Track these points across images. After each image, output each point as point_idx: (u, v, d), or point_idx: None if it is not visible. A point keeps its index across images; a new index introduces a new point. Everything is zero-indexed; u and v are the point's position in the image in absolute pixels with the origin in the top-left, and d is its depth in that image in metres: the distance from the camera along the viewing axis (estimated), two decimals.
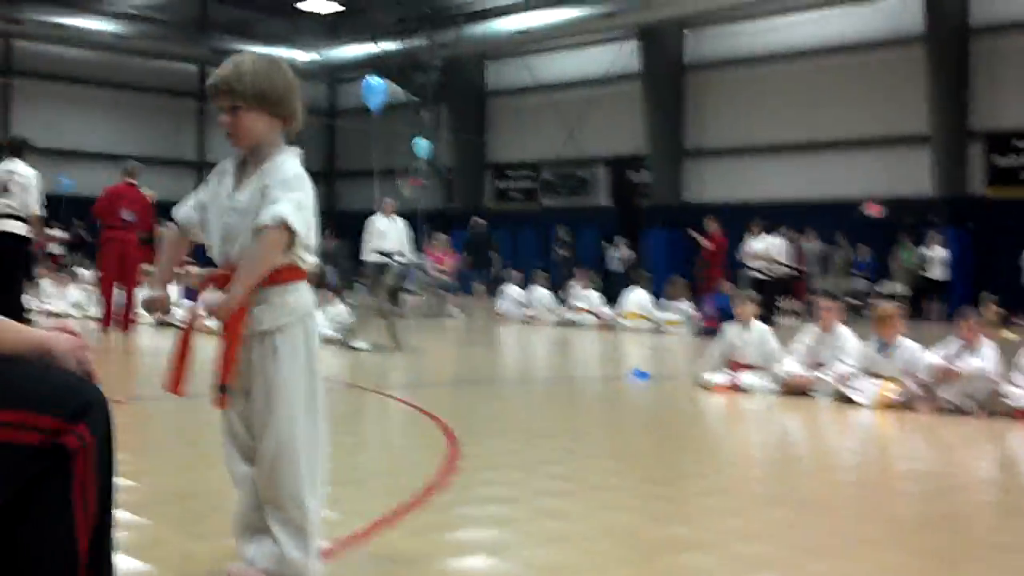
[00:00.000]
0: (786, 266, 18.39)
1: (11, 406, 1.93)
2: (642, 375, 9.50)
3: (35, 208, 11.47)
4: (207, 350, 3.16)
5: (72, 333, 2.14)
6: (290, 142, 3.17)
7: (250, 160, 3.12)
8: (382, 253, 16.14)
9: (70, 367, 2.07)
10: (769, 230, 17.79)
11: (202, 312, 3.12)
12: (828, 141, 23.11)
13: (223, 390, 3.01)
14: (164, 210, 16.81)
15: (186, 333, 3.12)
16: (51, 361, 2.05)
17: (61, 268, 19.40)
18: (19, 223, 11.46)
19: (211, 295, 3.06)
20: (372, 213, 15.45)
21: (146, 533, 3.69)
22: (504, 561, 3.50)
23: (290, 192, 2.98)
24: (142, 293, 13.96)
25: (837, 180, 22.70)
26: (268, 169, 3.05)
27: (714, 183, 25.36)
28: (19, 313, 11.72)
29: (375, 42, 30.13)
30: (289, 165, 3.06)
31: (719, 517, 4.28)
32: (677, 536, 3.93)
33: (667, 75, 25.76)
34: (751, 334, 8.68)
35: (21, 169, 11.51)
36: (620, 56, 26.69)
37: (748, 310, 8.77)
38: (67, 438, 1.97)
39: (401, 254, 16.19)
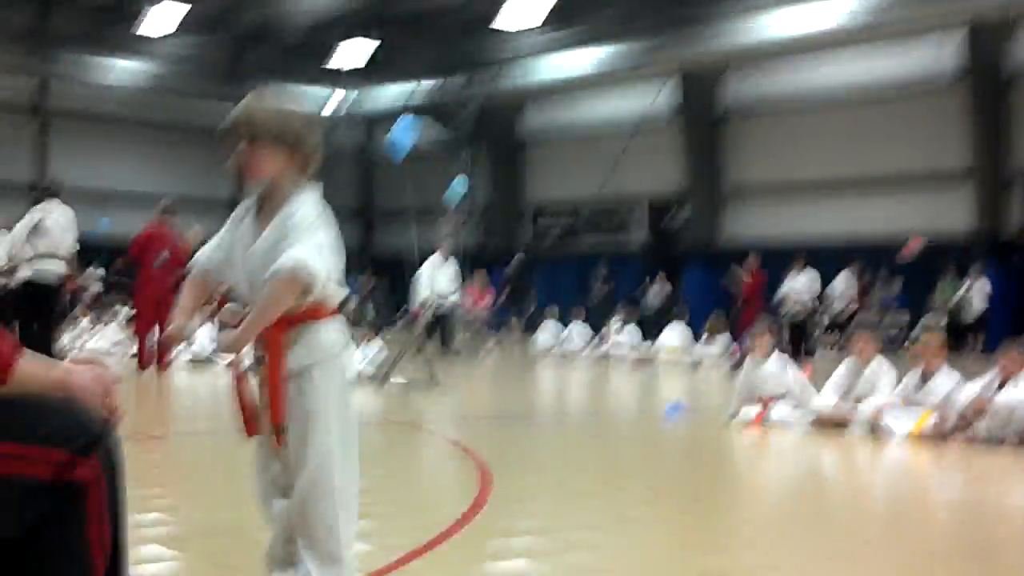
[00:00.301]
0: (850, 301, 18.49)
1: (19, 439, 1.93)
2: (678, 410, 9.47)
3: (71, 249, 11.68)
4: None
5: (99, 364, 2.14)
6: (318, 179, 3.18)
7: (268, 199, 3.12)
8: (437, 295, 16.50)
9: (94, 402, 2.07)
10: (808, 267, 17.71)
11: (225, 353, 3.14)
12: (868, 178, 23.00)
13: (278, 431, 3.05)
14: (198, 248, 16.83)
15: (239, 375, 3.13)
16: (73, 396, 2.05)
17: (100, 308, 19.66)
18: (56, 263, 11.66)
19: (224, 334, 3.09)
20: (412, 255, 15.82)
21: (179, 567, 3.72)
22: None
23: (308, 234, 2.98)
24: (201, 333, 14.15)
25: (877, 217, 22.55)
26: (287, 210, 3.05)
27: (753, 221, 25.32)
28: (50, 352, 11.89)
29: (416, 82, 30.40)
30: (308, 206, 3.05)
31: (755, 549, 4.26)
32: (713, 567, 3.91)
33: (706, 114, 25.90)
34: (768, 367, 8.63)
35: (57, 210, 11.72)
36: (660, 96, 26.79)
37: (763, 343, 8.72)
38: (80, 471, 1.97)
39: (453, 293, 16.67)
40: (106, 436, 2.03)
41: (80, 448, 1.98)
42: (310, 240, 2.97)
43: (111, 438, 2.04)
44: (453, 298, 17.02)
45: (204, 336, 14.22)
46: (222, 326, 12.80)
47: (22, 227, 11.69)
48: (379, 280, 32.00)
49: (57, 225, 11.56)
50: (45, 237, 11.55)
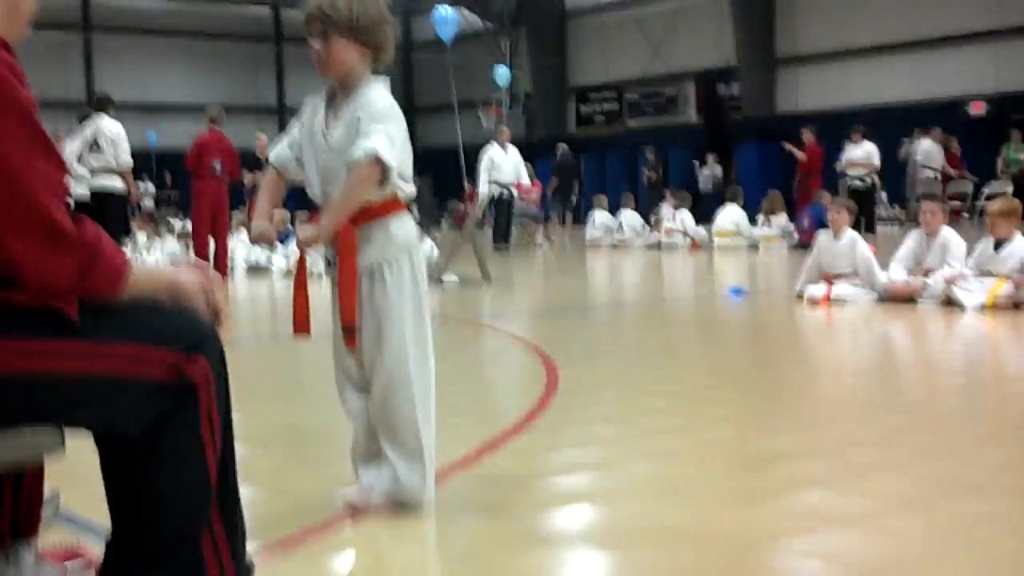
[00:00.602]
0: (932, 169, 18.02)
1: (135, 341, 1.99)
2: (739, 292, 9.40)
3: (126, 162, 11.78)
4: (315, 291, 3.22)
5: (201, 270, 2.18)
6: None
7: (340, 93, 3.12)
8: (499, 184, 16.37)
9: (200, 305, 2.12)
10: (869, 136, 17.26)
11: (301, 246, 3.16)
12: (931, 38, 22.24)
13: (349, 330, 3.06)
14: (246, 157, 17.14)
15: (299, 275, 3.18)
16: (181, 299, 2.10)
17: (153, 221, 19.87)
18: (113, 178, 11.79)
19: (303, 229, 3.10)
20: (453, 147, 15.59)
21: (261, 463, 3.78)
22: (611, 477, 3.51)
23: (381, 124, 2.98)
24: (240, 238, 14.27)
25: (941, 79, 21.89)
26: (358, 102, 3.04)
27: (809, 91, 24.64)
28: None
29: None
30: (379, 96, 3.05)
31: (827, 426, 4.23)
32: (786, 446, 3.90)
33: None
34: (842, 243, 8.48)
35: (108, 125, 11.81)
36: None
37: (841, 219, 8.56)
38: (190, 370, 2.03)
39: (511, 186, 16.45)
40: (214, 337, 2.09)
41: (191, 348, 2.03)
42: (382, 131, 2.97)
43: (217, 336, 2.10)
44: (525, 183, 16.93)
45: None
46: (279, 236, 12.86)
47: (77, 143, 11.80)
48: (423, 177, 31.93)
49: (109, 140, 11.66)
50: (98, 153, 11.67)
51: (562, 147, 23.35)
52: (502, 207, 16.96)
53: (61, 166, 1.95)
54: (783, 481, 3.43)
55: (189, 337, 2.04)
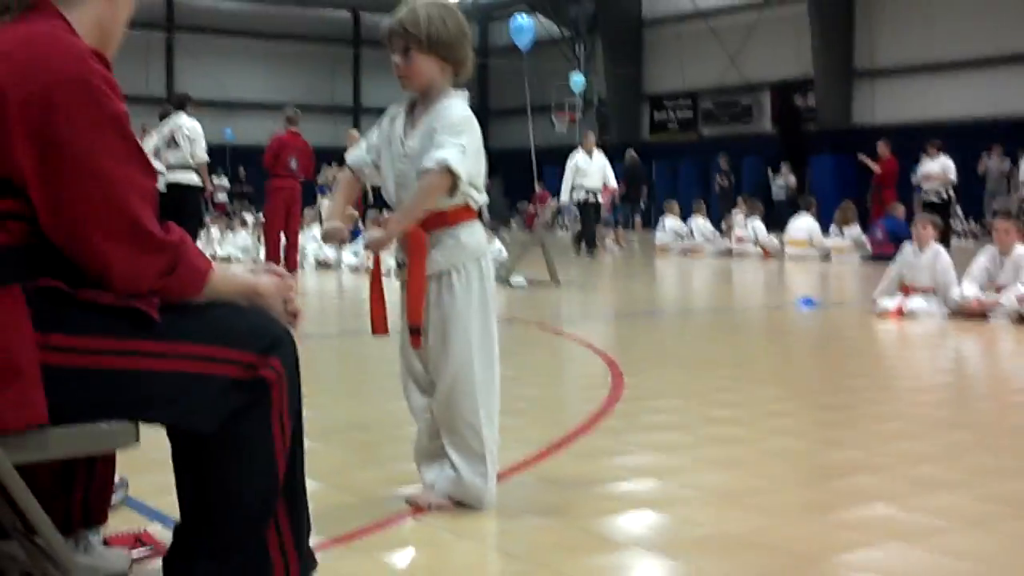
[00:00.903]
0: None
1: (213, 342, 2.06)
2: (809, 303, 9.31)
3: (202, 158, 12.14)
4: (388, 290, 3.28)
5: (278, 275, 2.26)
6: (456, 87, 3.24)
7: (420, 104, 3.20)
8: (584, 189, 16.16)
9: (277, 307, 2.21)
10: (945, 150, 16.96)
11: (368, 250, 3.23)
12: (1013, 54, 21.82)
13: (415, 331, 3.13)
14: (322, 156, 17.44)
15: (375, 277, 3.25)
16: (259, 302, 2.19)
17: (227, 215, 20.20)
18: (190, 173, 12.15)
19: (370, 233, 3.19)
20: (525, 150, 15.59)
21: (326, 459, 3.83)
22: (674, 485, 3.50)
23: (456, 136, 3.05)
24: (311, 235, 14.46)
25: (1020, 95, 21.47)
26: (436, 113, 3.12)
27: (886, 104, 24.30)
28: None
29: None
30: (457, 108, 3.12)
31: (893, 441, 4.19)
32: (850, 460, 3.87)
33: None
34: (926, 257, 8.37)
35: (186, 122, 12.19)
36: None
37: (927, 233, 8.44)
38: (263, 371, 2.09)
39: (597, 191, 16.20)
40: (287, 338, 2.16)
41: (265, 349, 2.10)
42: (456, 142, 3.04)
43: (291, 339, 2.17)
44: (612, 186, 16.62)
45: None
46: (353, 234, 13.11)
47: (156, 139, 12.19)
48: (494, 180, 32.01)
49: (186, 137, 12.02)
50: (176, 149, 12.03)
51: (630, 153, 23.31)
52: (588, 212, 16.69)
53: (151, 174, 2.05)
54: (847, 495, 3.40)
55: (264, 339, 2.11)
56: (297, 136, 13.32)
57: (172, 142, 12.18)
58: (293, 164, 13.06)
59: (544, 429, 4.33)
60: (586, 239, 16.92)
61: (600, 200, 16.67)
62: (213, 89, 29.43)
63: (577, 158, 16.38)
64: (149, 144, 12.59)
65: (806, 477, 3.64)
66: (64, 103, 1.92)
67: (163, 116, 12.71)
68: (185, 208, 12.20)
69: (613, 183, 16.81)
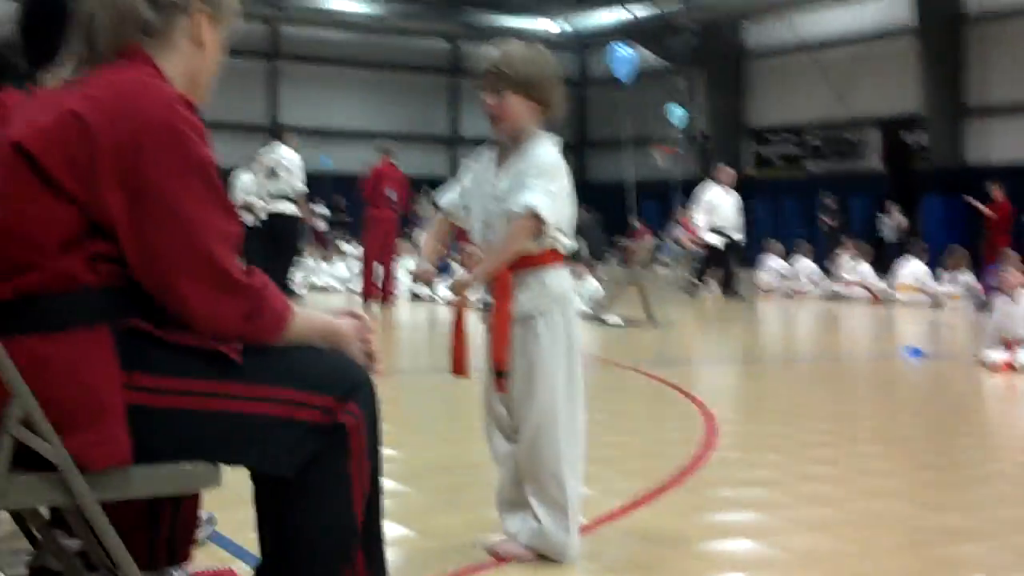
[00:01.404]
0: None
1: (294, 386, 2.09)
2: (916, 353, 9.04)
3: (301, 189, 12.45)
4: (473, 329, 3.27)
5: (357, 317, 2.29)
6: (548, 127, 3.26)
7: (510, 146, 3.21)
8: (716, 231, 15.22)
9: (354, 351, 2.23)
10: None
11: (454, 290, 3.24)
12: None
13: (501, 375, 3.13)
14: (420, 186, 17.69)
15: (459, 315, 3.25)
16: (339, 344, 2.21)
17: (325, 243, 20.49)
18: (289, 204, 12.47)
19: (458, 275, 3.24)
20: (623, 184, 15.40)
21: (409, 502, 3.82)
22: (765, 546, 3.40)
23: (545, 181, 3.07)
24: (406, 266, 14.59)
25: None
26: (526, 156, 3.14)
27: (1002, 143, 23.47)
28: (286, 289, 12.72)
29: (625, 7, 29.89)
30: (546, 152, 3.15)
31: (997, 506, 4.01)
32: (950, 525, 3.71)
33: (946, 26, 23.96)
34: (1021, 306, 8.04)
35: (286, 153, 12.51)
36: (893, 8, 25.32)
37: (1012, 280, 8.11)
38: (342, 416, 2.12)
39: (736, 232, 15.09)
40: (367, 382, 2.19)
41: (344, 394, 2.14)
42: (545, 187, 3.06)
43: (371, 383, 2.20)
44: (737, 237, 15.40)
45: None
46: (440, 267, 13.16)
47: (256, 170, 12.55)
48: (591, 214, 31.84)
49: (285, 169, 12.35)
50: (276, 180, 12.36)
51: None
52: (722, 257, 15.51)
53: (235, 219, 2.09)
54: (945, 564, 3.26)
55: (344, 383, 2.14)
56: (394, 167, 13.52)
57: (272, 173, 12.49)
58: (392, 195, 13.25)
59: (633, 480, 4.25)
60: (725, 283, 15.60)
61: (739, 240, 15.59)
62: (314, 117, 29.99)
63: (710, 195, 15.36)
64: (245, 177, 12.97)
65: (903, 542, 3.49)
66: (152, 148, 1.98)
67: (265, 145, 13.11)
68: (284, 238, 12.48)
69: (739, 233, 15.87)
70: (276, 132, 13.07)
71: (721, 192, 15.41)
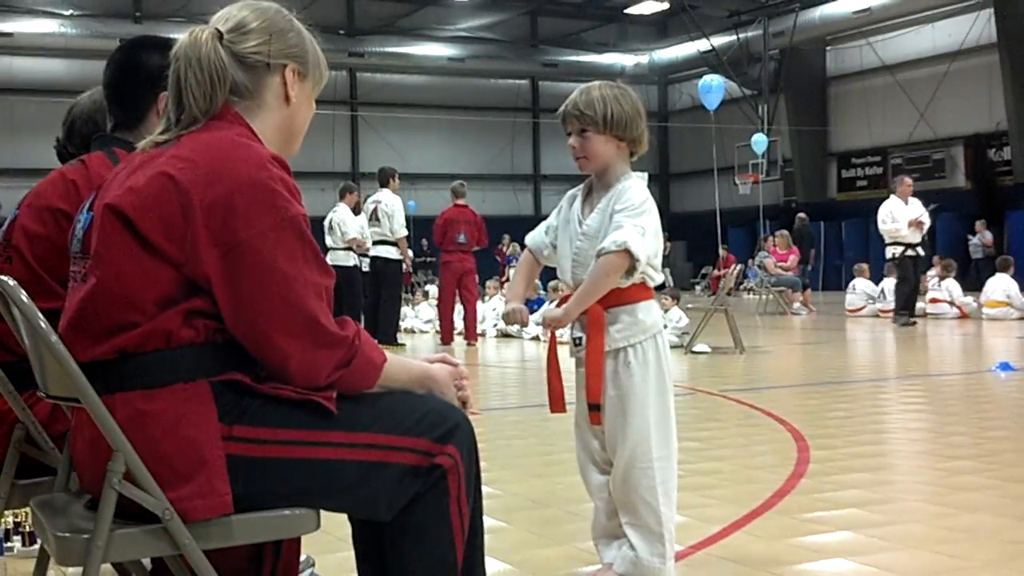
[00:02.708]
0: None
1: (390, 431, 2.13)
2: (1006, 367, 8.91)
3: (400, 232, 12.71)
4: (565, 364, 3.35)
5: (451, 364, 2.32)
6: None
7: (597, 185, 3.29)
8: (902, 244, 14.59)
9: (449, 395, 2.27)
10: None
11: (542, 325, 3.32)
12: None
13: (594, 408, 3.19)
14: (503, 225, 17.98)
15: (551, 355, 3.33)
16: (433, 389, 2.25)
17: (411, 287, 20.74)
18: (390, 247, 12.75)
19: (548, 311, 3.28)
20: (707, 213, 15.38)
21: (507, 537, 3.91)
22: (860, 565, 3.43)
23: (635, 217, 3.12)
24: (494, 306, 14.74)
25: None
26: (615, 194, 3.20)
27: None
28: (396, 326, 13.00)
29: (706, 37, 29.90)
30: (635, 190, 3.19)
31: None
32: None
33: None
34: None
35: (386, 197, 12.81)
36: (972, 25, 25.00)
37: None
38: (440, 458, 2.15)
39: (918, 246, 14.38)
40: (464, 424, 2.21)
41: (441, 436, 2.16)
42: (635, 223, 3.11)
43: (468, 424, 2.22)
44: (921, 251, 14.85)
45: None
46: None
47: (362, 215, 12.96)
48: (675, 244, 31.73)
49: (385, 213, 12.67)
50: (376, 224, 12.71)
51: (800, 216, 23.01)
52: (906, 269, 14.86)
53: (327, 273, 2.12)
54: None
55: (441, 426, 2.16)
56: (464, 208, 13.66)
57: (373, 217, 12.81)
58: (462, 238, 13.41)
59: (726, 505, 4.30)
60: (904, 303, 14.97)
61: (920, 254, 14.90)
62: (395, 162, 30.35)
63: (891, 206, 14.76)
64: (364, 219, 13.28)
65: (1000, 557, 3.50)
66: (244, 207, 2.00)
67: (343, 191, 13.44)
68: (385, 281, 12.78)
69: (927, 221, 15.15)
70: (382, 178, 13.40)
71: (900, 204, 14.83)
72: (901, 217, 14.61)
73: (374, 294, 13.08)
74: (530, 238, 3.49)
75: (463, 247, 13.47)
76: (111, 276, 2.03)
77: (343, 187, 13.72)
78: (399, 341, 13.43)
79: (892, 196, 15.00)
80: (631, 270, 3.11)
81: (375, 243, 13.00)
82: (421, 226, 26.64)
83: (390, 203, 12.91)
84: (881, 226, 14.81)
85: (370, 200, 13.24)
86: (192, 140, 2.10)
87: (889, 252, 15.03)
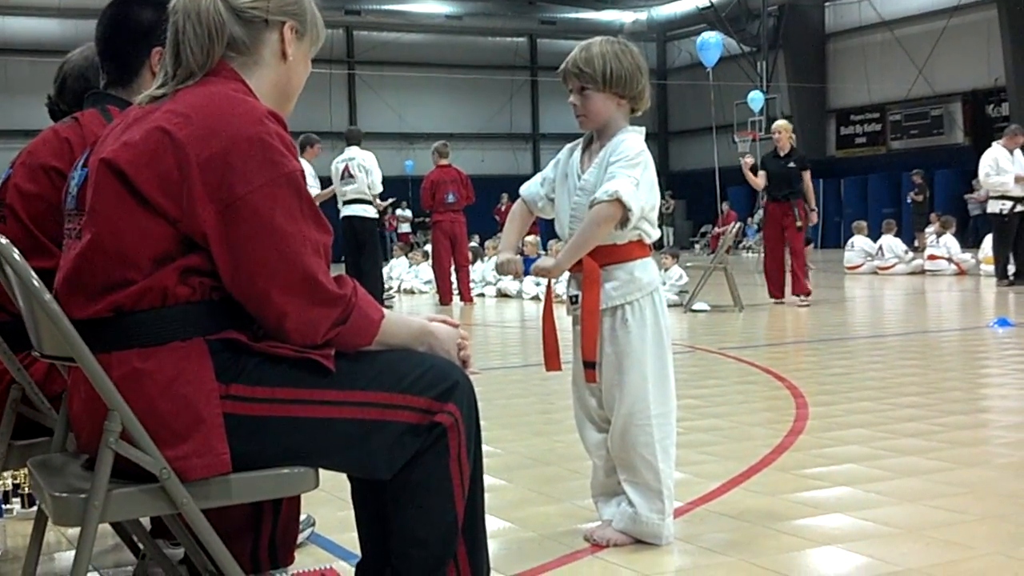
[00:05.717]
0: None
1: (389, 389, 2.11)
2: (1005, 323, 8.91)
3: (378, 188, 12.55)
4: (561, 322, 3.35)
5: (452, 324, 2.30)
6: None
7: (596, 140, 3.26)
8: (1006, 197, 13.10)
9: (451, 351, 2.25)
10: None
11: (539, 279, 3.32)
12: None
13: (590, 366, 3.19)
14: (502, 184, 17.90)
15: (547, 312, 3.33)
16: (433, 347, 2.23)
17: (411, 247, 20.72)
18: (365, 205, 12.61)
19: (542, 260, 3.25)
20: (706, 171, 15.31)
21: (507, 495, 3.92)
22: (859, 519, 3.44)
23: (630, 169, 3.09)
24: (490, 266, 14.73)
25: None
26: (612, 146, 3.17)
27: None
28: (380, 289, 12.89)
29: None
30: (630, 142, 3.16)
31: None
32: None
33: None
34: None
35: (359, 153, 12.61)
36: None
37: None
38: (440, 416, 2.14)
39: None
40: (464, 382, 2.20)
41: (441, 394, 2.15)
42: (628, 174, 3.08)
43: (468, 382, 2.21)
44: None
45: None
46: (526, 261, 13.33)
47: (333, 174, 12.77)
48: (676, 202, 31.66)
49: (360, 167, 12.50)
50: (350, 182, 12.54)
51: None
52: (1010, 225, 13.19)
53: (325, 229, 2.10)
54: None
55: (440, 384, 2.15)
56: (448, 168, 13.64)
57: (346, 174, 12.64)
58: (451, 198, 13.38)
59: (724, 462, 4.31)
60: (1015, 259, 13.41)
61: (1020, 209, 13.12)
62: (393, 121, 30.27)
63: (996, 153, 13.17)
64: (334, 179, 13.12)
65: (999, 509, 3.51)
66: (241, 162, 1.98)
67: (304, 144, 13.14)
68: (365, 243, 12.64)
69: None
70: (351, 137, 13.22)
71: (1005, 154, 13.12)
72: (1009, 168, 12.93)
73: (353, 258, 12.75)
74: (524, 188, 3.46)
75: (453, 207, 13.47)
76: (106, 232, 2.01)
77: (303, 139, 12.24)
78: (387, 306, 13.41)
79: (995, 144, 13.38)
80: (624, 221, 3.07)
81: (348, 202, 12.64)
82: (419, 185, 26.65)
83: (365, 157, 12.70)
84: (984, 179, 13.23)
85: (338, 160, 12.90)
86: (188, 95, 2.07)
87: (995, 206, 13.20)
